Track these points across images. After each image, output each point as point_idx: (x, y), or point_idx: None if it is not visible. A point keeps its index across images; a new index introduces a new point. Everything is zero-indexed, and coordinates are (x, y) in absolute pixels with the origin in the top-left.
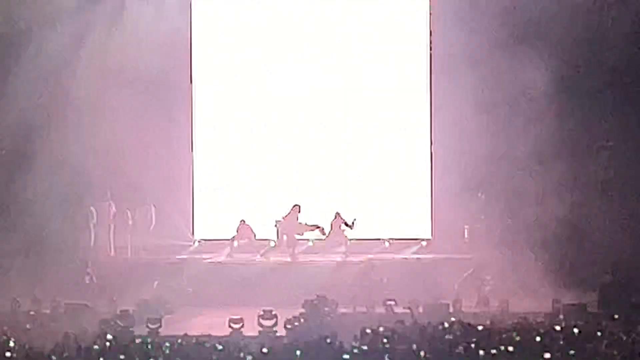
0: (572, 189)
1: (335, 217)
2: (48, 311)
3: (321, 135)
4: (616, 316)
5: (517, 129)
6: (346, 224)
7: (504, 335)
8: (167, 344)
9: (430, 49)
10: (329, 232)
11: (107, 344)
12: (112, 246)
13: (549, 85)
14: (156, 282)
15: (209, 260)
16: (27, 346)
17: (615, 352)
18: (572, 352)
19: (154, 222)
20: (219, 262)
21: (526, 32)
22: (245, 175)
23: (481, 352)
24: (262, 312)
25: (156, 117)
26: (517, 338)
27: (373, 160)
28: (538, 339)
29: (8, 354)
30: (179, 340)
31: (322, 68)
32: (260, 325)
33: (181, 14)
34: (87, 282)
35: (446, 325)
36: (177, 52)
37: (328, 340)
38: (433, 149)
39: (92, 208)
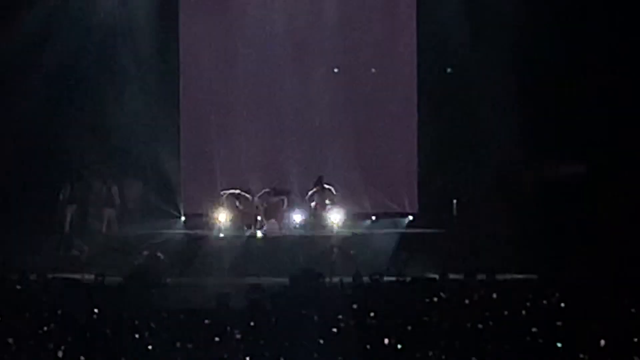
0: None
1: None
2: (35, 284)
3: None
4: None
5: None
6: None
7: (490, 310)
8: (154, 318)
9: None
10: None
11: (94, 317)
12: (101, 221)
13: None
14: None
15: (197, 234)
16: (12, 319)
17: (598, 327)
18: (559, 323)
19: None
20: (207, 236)
21: None
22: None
23: (468, 326)
24: (249, 286)
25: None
26: (505, 312)
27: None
28: (524, 312)
29: None
30: (165, 315)
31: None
32: (248, 299)
33: None
34: (75, 255)
35: (434, 299)
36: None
37: (316, 317)
38: None
39: (76, 184)
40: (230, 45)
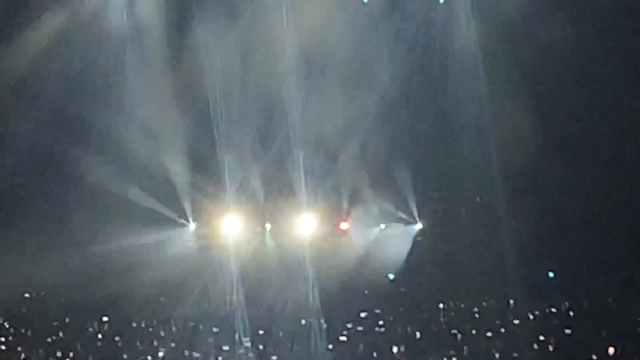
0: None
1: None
2: (44, 293)
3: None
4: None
5: None
6: None
7: (498, 318)
8: (163, 327)
9: None
10: None
11: (105, 326)
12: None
13: None
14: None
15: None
16: (23, 329)
17: (605, 333)
18: (567, 331)
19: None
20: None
21: None
22: None
23: (474, 332)
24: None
25: None
26: (515, 321)
27: None
28: (532, 317)
29: (2, 339)
30: (174, 323)
31: None
32: (257, 309)
33: None
34: (84, 266)
35: (441, 306)
36: None
37: (325, 324)
38: None
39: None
40: None
